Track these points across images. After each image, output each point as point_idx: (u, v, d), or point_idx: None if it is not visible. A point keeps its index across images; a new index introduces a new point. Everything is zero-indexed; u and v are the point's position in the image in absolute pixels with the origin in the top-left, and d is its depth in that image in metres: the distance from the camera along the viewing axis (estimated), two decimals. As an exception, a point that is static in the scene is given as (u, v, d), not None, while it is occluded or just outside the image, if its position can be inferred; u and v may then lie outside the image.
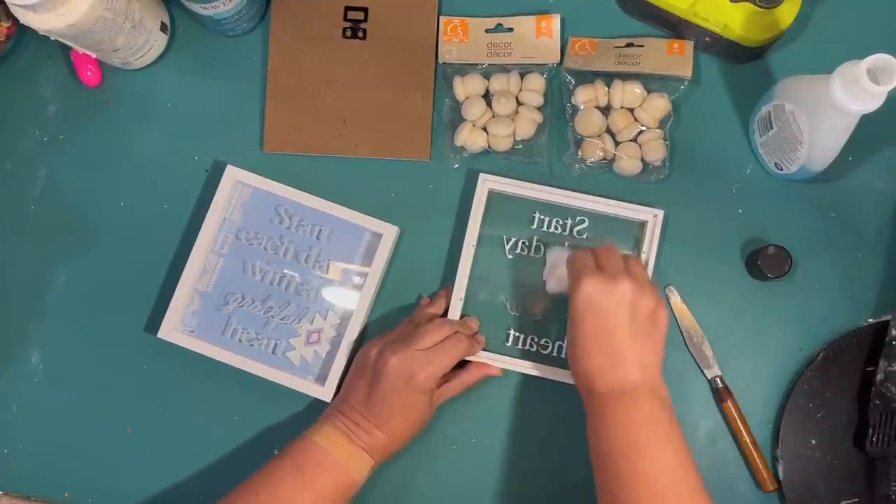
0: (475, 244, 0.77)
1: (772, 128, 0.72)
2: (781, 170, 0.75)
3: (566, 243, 0.78)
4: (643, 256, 0.76)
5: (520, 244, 0.78)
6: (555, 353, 0.76)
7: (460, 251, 0.77)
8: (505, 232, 0.78)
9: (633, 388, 0.64)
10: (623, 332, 0.65)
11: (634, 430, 0.63)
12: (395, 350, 0.70)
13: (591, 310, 0.66)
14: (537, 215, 0.78)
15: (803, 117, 0.67)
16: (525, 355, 0.76)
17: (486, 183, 0.77)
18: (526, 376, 0.76)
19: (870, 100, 0.61)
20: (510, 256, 0.78)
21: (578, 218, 0.78)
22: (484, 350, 0.76)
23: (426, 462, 0.76)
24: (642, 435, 0.63)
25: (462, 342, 0.72)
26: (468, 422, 0.76)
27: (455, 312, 0.76)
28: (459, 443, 0.76)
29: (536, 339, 0.77)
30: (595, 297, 0.66)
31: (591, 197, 0.77)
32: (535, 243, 0.78)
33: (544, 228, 0.78)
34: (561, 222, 0.78)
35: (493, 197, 0.78)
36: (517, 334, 0.77)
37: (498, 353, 0.76)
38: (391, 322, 0.78)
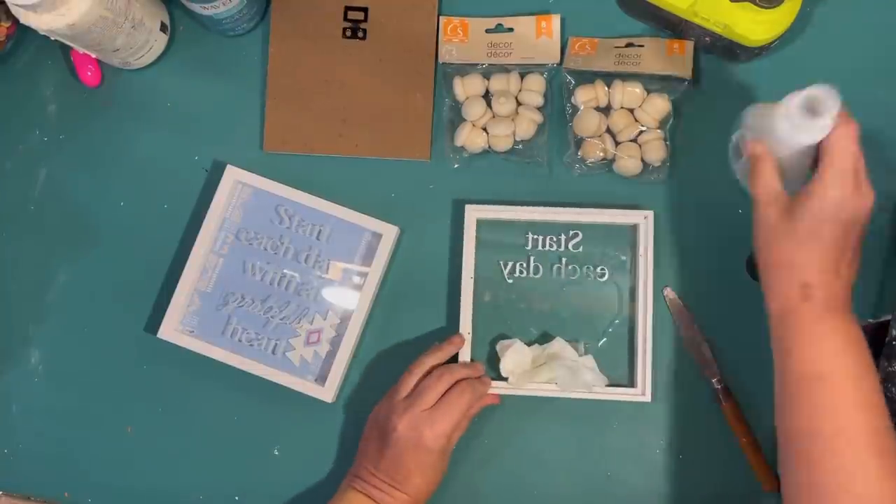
0: (473, 276, 0.77)
1: (741, 156, 0.72)
2: None
3: (563, 259, 0.78)
4: (640, 259, 0.76)
5: (518, 267, 0.78)
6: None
7: (461, 251, 0.77)
8: (501, 257, 0.78)
9: (847, 307, 0.60)
10: (850, 249, 0.60)
11: (854, 352, 0.59)
12: (401, 414, 0.69)
13: (838, 218, 0.60)
14: (530, 236, 0.78)
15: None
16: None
17: (474, 213, 0.77)
18: (535, 398, 0.76)
19: (815, 131, 0.61)
20: (510, 281, 0.78)
21: (572, 232, 0.78)
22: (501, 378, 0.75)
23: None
24: (859, 359, 0.59)
25: (466, 392, 0.71)
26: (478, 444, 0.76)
27: (465, 347, 0.76)
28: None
29: None
30: (847, 206, 0.60)
31: (580, 209, 0.77)
32: (532, 264, 0.78)
33: (539, 248, 0.78)
34: (555, 239, 0.78)
35: (485, 224, 0.78)
36: None
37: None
38: (391, 322, 0.78)
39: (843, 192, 0.60)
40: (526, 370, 0.75)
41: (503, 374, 0.75)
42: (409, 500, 0.69)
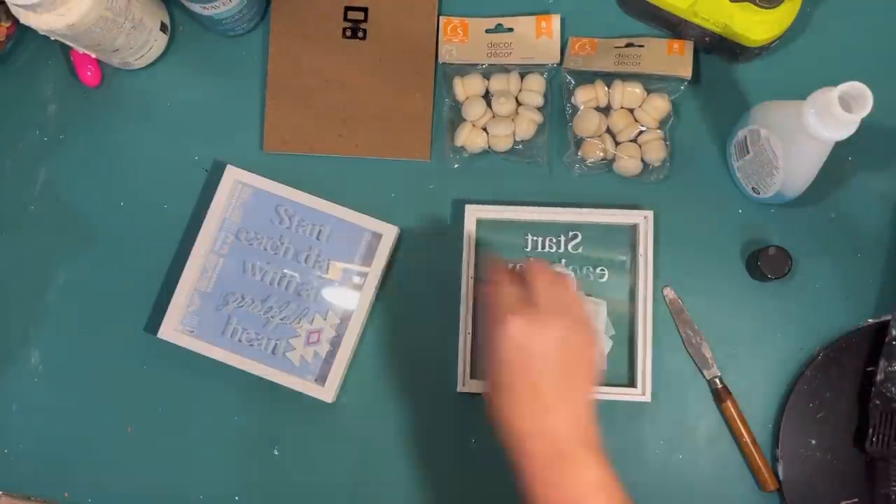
0: (472, 276, 0.77)
1: (748, 152, 0.72)
2: (759, 194, 0.75)
3: (563, 260, 0.78)
4: (640, 258, 0.76)
5: (518, 268, 0.78)
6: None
7: (461, 251, 0.77)
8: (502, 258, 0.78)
9: (570, 446, 0.56)
10: (552, 380, 0.57)
11: (575, 497, 0.55)
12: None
13: (518, 360, 0.57)
14: (530, 237, 0.78)
15: (778, 143, 0.67)
16: None
17: (474, 213, 0.77)
18: None
19: (842, 127, 0.61)
20: None
21: (571, 233, 0.78)
22: None
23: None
24: (581, 498, 0.55)
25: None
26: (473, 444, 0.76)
27: (464, 347, 0.76)
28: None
29: None
30: (521, 341, 0.57)
31: (579, 210, 0.77)
32: None
33: (539, 249, 0.78)
34: (555, 240, 0.78)
35: (484, 225, 0.78)
36: None
37: None
38: (391, 322, 0.78)
39: (511, 329, 0.57)
40: None
41: None
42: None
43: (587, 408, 0.58)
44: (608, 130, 0.78)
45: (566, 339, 0.58)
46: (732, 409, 0.74)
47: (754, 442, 0.74)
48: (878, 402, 0.72)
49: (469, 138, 0.78)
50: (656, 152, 0.77)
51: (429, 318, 0.78)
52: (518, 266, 0.63)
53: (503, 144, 0.78)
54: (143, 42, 0.78)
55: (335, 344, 0.77)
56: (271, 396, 0.77)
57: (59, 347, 0.80)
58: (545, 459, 0.57)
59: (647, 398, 0.75)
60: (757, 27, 0.73)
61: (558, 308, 0.59)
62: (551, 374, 0.57)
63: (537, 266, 0.61)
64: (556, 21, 0.80)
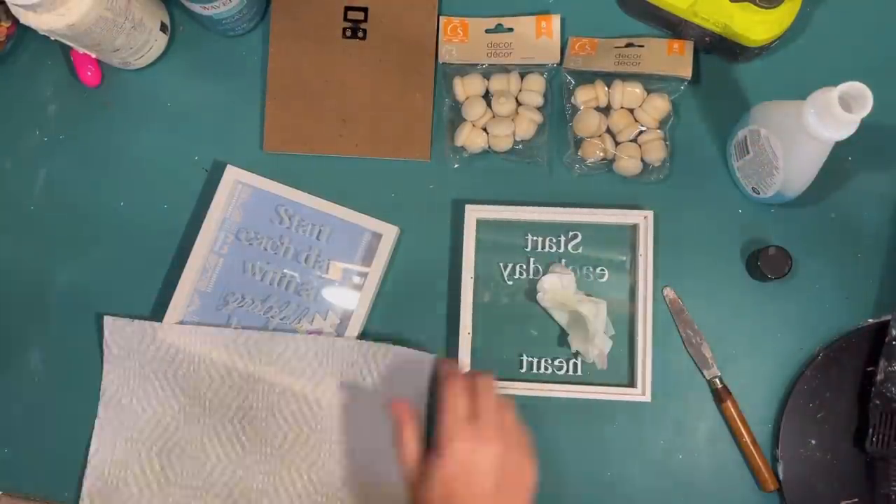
0: (473, 276, 0.77)
1: (748, 152, 0.72)
2: (759, 194, 0.75)
3: (563, 260, 0.78)
4: (640, 258, 0.76)
5: (518, 268, 0.78)
6: (570, 372, 0.76)
7: (461, 251, 0.77)
8: (501, 258, 0.78)
9: None
10: (490, 494, 0.61)
11: None
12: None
13: (461, 476, 0.61)
14: (530, 237, 0.78)
15: (778, 143, 0.67)
16: (539, 378, 0.76)
17: (473, 213, 0.77)
18: (536, 398, 0.76)
19: (842, 127, 0.61)
20: (510, 283, 0.78)
21: (571, 233, 0.78)
22: (500, 380, 0.75)
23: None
24: None
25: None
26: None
27: (465, 347, 0.76)
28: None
29: (550, 361, 0.77)
30: (464, 458, 0.62)
31: (579, 210, 0.77)
32: (532, 266, 0.78)
33: (539, 249, 0.78)
34: (554, 240, 0.78)
35: (484, 225, 0.78)
36: (530, 359, 0.77)
37: (516, 381, 0.76)
38: (391, 322, 0.78)
39: (459, 449, 0.61)
40: (557, 296, 0.75)
41: (538, 287, 0.76)
42: None
43: None
44: (608, 130, 0.78)
45: (504, 456, 0.62)
46: (732, 409, 0.74)
47: (754, 442, 0.74)
48: (878, 402, 0.72)
49: (469, 138, 0.78)
50: (656, 152, 0.77)
51: (429, 318, 0.78)
52: (472, 377, 0.67)
53: (503, 144, 0.78)
54: (143, 42, 0.78)
55: (335, 344, 0.77)
56: (271, 396, 0.77)
57: (59, 347, 0.80)
58: None
59: (647, 398, 0.75)
60: (757, 27, 0.73)
61: (499, 428, 0.63)
62: (490, 488, 0.61)
63: (486, 383, 0.66)
64: (556, 21, 0.80)
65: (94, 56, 0.79)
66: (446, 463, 0.62)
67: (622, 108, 0.78)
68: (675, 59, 0.77)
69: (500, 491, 0.62)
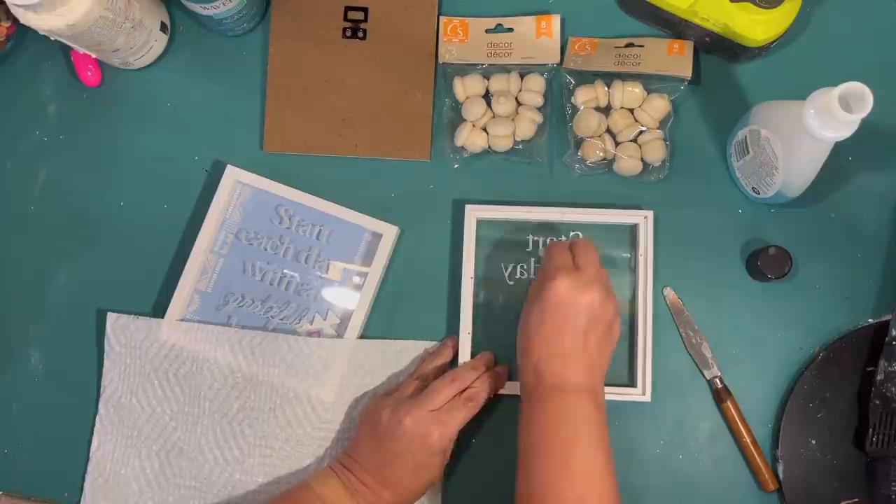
0: (473, 276, 0.77)
1: (748, 152, 0.72)
2: (759, 194, 0.75)
3: (579, 233, 0.78)
4: (640, 258, 0.76)
5: (518, 269, 0.78)
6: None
7: (461, 251, 0.77)
8: (502, 259, 0.78)
9: (577, 387, 0.64)
10: (582, 335, 0.65)
11: (572, 427, 0.63)
12: (408, 410, 0.68)
13: (559, 306, 0.65)
14: (531, 237, 0.78)
15: (778, 142, 0.67)
16: None
17: (474, 213, 0.77)
18: None
19: (842, 127, 0.61)
20: (511, 283, 0.78)
21: (572, 233, 0.78)
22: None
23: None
24: (579, 433, 0.63)
25: (476, 398, 0.70)
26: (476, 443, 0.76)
27: (465, 347, 0.76)
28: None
29: None
30: (567, 296, 0.65)
31: (580, 210, 0.77)
32: (533, 266, 0.78)
33: (540, 249, 0.78)
34: (555, 240, 0.78)
35: (485, 225, 0.78)
36: None
37: (516, 381, 0.75)
38: (391, 322, 0.78)
39: (559, 285, 0.65)
40: None
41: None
42: (393, 500, 0.68)
43: (601, 367, 0.67)
44: (608, 130, 0.78)
45: (601, 305, 0.66)
46: (732, 409, 0.74)
47: (754, 442, 0.74)
48: (878, 402, 0.72)
49: (469, 138, 0.78)
50: (656, 152, 0.77)
51: (429, 318, 0.78)
52: (571, 242, 0.70)
53: (503, 144, 0.78)
54: (143, 42, 0.78)
55: (335, 344, 0.77)
56: (271, 396, 0.77)
57: (59, 347, 0.80)
58: (554, 387, 0.64)
59: (647, 398, 0.75)
60: (757, 27, 0.73)
61: (598, 278, 0.67)
62: (581, 328, 0.65)
63: (585, 242, 0.69)
64: (556, 21, 0.80)
65: (94, 56, 0.79)
66: (547, 296, 0.65)
67: (622, 108, 0.78)
68: (675, 59, 0.77)
69: (588, 333, 0.65)
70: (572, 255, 0.68)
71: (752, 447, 0.74)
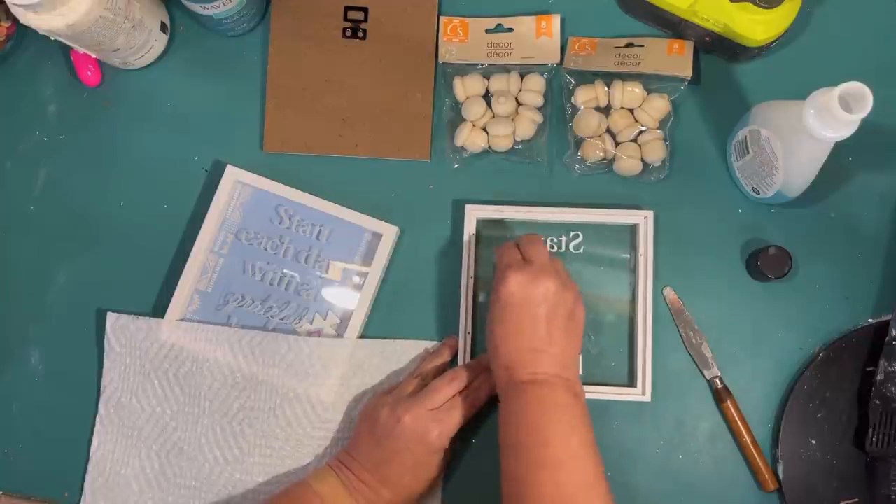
0: (473, 276, 0.77)
1: (748, 152, 0.72)
2: (759, 194, 0.75)
3: (565, 259, 0.78)
4: (640, 258, 0.76)
5: (518, 241, 0.78)
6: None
7: (461, 251, 0.77)
8: None
9: (547, 378, 0.64)
10: (543, 326, 0.65)
11: (546, 417, 0.63)
12: (407, 408, 0.68)
13: (515, 304, 0.65)
14: None
15: (778, 142, 0.67)
16: None
17: (474, 213, 0.77)
18: None
19: (842, 127, 0.61)
20: None
21: (572, 233, 0.78)
22: None
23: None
24: (552, 422, 0.63)
25: (476, 398, 0.71)
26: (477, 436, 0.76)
27: (465, 347, 0.76)
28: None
29: None
30: (519, 292, 0.65)
31: (580, 210, 0.77)
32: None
33: None
34: (556, 240, 0.78)
35: (485, 225, 0.78)
36: None
37: None
38: (391, 322, 0.78)
39: (511, 282, 0.66)
40: None
41: None
42: (391, 499, 0.68)
43: (570, 354, 0.67)
44: (608, 130, 0.78)
45: (556, 293, 0.66)
46: (732, 409, 0.74)
47: (754, 442, 0.74)
48: (878, 402, 0.72)
49: (469, 138, 0.78)
50: (656, 152, 0.77)
51: (429, 318, 0.78)
52: (518, 239, 0.71)
53: (503, 144, 0.78)
54: (143, 42, 0.78)
55: (335, 344, 0.77)
56: (271, 396, 0.77)
57: (59, 347, 0.80)
58: (526, 382, 0.64)
59: (647, 398, 0.75)
60: (757, 27, 0.73)
61: (549, 268, 0.67)
62: (542, 319, 0.65)
63: (531, 237, 0.70)
64: (556, 21, 0.80)
65: (94, 56, 0.79)
66: (502, 295, 0.66)
67: (622, 108, 0.78)
68: (675, 59, 0.77)
69: (550, 323, 0.65)
70: (521, 252, 0.69)
71: (752, 447, 0.74)
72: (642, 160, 0.77)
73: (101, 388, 0.77)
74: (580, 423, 0.64)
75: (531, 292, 0.65)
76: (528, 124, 0.78)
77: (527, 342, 0.65)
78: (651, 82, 0.78)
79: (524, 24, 0.80)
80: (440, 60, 0.80)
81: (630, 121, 0.78)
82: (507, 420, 0.65)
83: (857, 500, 0.73)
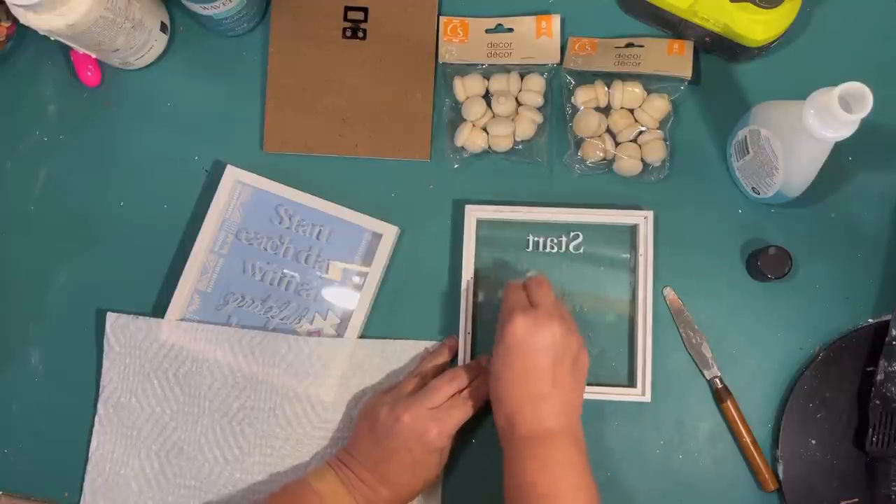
0: (473, 276, 0.77)
1: (748, 152, 0.72)
2: (759, 194, 0.75)
3: (537, 271, 0.78)
4: (640, 259, 0.76)
5: (519, 269, 0.78)
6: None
7: (461, 251, 0.77)
8: (502, 258, 0.78)
9: (554, 432, 0.64)
10: (548, 373, 0.64)
11: (552, 475, 0.63)
12: (406, 407, 0.68)
13: (520, 348, 0.65)
14: (531, 237, 0.78)
15: (778, 143, 0.67)
16: None
17: (474, 213, 0.77)
18: None
19: (842, 127, 0.61)
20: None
21: (572, 234, 0.78)
22: None
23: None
24: (560, 480, 0.63)
25: (475, 398, 0.70)
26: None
27: (465, 347, 0.76)
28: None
29: None
30: (525, 336, 0.65)
31: (580, 210, 0.77)
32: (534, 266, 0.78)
33: (540, 250, 0.78)
34: (556, 241, 0.78)
35: (485, 225, 0.78)
36: None
37: None
38: (391, 322, 0.78)
39: (517, 326, 0.65)
40: None
41: None
42: (389, 498, 0.68)
43: (574, 401, 0.66)
44: (608, 130, 0.78)
45: (562, 338, 0.65)
46: (732, 409, 0.74)
47: (754, 442, 0.74)
48: (878, 402, 0.72)
49: (469, 138, 0.78)
50: (656, 152, 0.77)
51: (429, 318, 0.78)
52: (525, 282, 0.70)
53: (503, 144, 0.78)
54: (143, 42, 0.78)
55: (335, 344, 0.77)
56: (271, 396, 0.77)
57: (59, 347, 0.80)
58: (528, 437, 0.64)
59: (647, 398, 0.75)
60: (757, 27, 0.73)
61: (555, 312, 0.66)
62: (546, 364, 0.65)
63: (538, 279, 0.70)
64: (556, 21, 0.80)
65: (94, 56, 0.79)
66: (507, 339, 0.65)
67: (622, 108, 0.78)
68: (675, 59, 0.77)
69: (556, 370, 0.64)
70: (527, 294, 0.68)
71: (752, 447, 0.74)
72: (642, 160, 0.77)
73: (101, 388, 0.77)
74: (584, 481, 0.63)
75: (537, 337, 0.64)
76: (528, 124, 0.78)
77: (531, 388, 0.64)
78: (651, 82, 0.78)
79: (524, 25, 0.80)
80: (440, 60, 0.80)
81: (630, 121, 0.78)
82: (512, 473, 0.64)
83: (857, 500, 0.73)
